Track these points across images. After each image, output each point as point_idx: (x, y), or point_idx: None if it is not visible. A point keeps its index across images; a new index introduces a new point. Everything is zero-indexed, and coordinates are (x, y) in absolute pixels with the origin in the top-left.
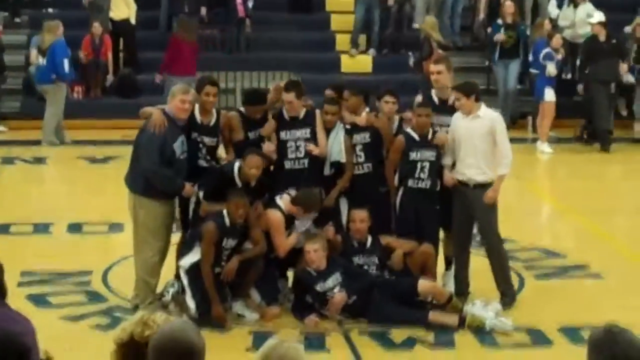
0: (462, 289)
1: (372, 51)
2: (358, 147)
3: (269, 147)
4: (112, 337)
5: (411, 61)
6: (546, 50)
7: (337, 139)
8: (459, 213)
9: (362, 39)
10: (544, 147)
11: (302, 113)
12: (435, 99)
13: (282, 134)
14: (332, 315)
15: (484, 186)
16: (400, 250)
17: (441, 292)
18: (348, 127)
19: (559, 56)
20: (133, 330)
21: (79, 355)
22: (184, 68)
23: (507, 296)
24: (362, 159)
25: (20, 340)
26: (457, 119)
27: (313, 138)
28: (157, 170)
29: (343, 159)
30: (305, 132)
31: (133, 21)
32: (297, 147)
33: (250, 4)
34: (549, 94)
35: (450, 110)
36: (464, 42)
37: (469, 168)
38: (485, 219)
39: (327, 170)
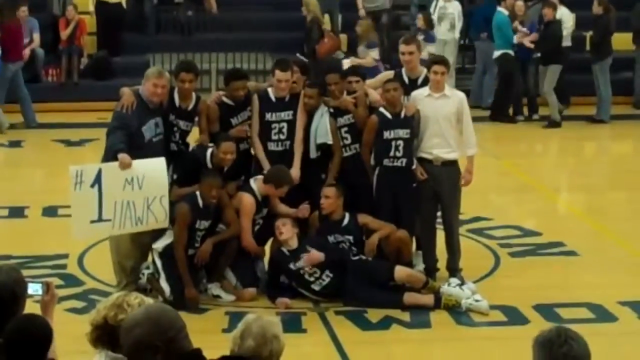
0: (431, 265)
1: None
2: (343, 130)
3: (239, 130)
4: (88, 319)
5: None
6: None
7: (322, 120)
8: (424, 191)
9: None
10: None
11: (288, 95)
12: (406, 78)
13: (268, 115)
14: (307, 264)
15: (451, 163)
16: (376, 238)
17: (418, 278)
18: (331, 110)
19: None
20: (107, 314)
21: (55, 339)
22: (19, 53)
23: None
24: (348, 141)
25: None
26: (421, 98)
27: (295, 120)
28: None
29: (329, 141)
30: (288, 114)
31: (125, 5)
32: (281, 129)
33: None
34: None
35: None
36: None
37: (436, 147)
38: (451, 197)
39: (313, 154)
